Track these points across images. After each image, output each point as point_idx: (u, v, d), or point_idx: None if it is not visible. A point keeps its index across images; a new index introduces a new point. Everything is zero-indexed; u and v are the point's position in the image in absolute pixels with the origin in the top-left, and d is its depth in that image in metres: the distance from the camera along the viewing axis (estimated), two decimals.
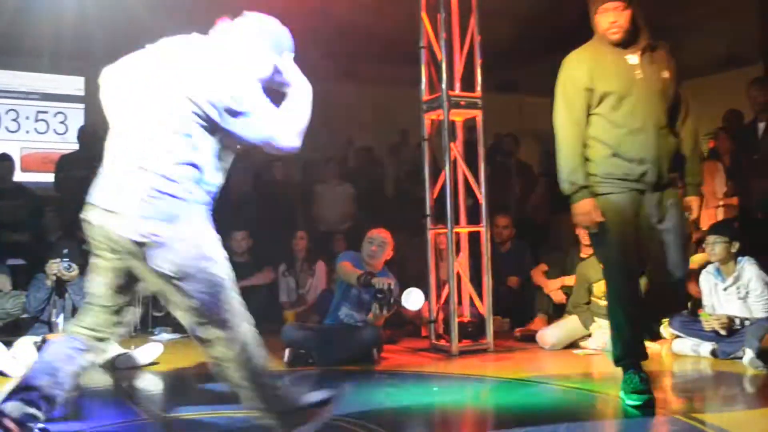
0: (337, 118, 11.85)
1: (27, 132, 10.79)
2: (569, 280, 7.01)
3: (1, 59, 10.48)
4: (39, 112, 10.90)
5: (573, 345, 6.49)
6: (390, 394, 5.05)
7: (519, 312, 7.45)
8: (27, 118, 10.82)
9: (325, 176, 9.45)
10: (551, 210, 8.95)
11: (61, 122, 10.99)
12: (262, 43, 3.39)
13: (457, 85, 6.57)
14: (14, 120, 10.71)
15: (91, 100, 10.91)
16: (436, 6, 6.49)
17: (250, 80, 3.23)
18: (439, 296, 6.58)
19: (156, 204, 3.09)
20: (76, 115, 10.90)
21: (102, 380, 5.59)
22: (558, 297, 7.21)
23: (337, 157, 10.00)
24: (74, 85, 11.01)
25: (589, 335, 6.46)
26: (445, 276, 6.56)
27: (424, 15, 6.59)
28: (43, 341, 6.05)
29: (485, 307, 6.49)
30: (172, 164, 3.13)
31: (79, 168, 8.63)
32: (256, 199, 8.99)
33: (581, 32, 11.77)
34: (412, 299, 5.74)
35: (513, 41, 11.72)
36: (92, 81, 10.81)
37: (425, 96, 6.65)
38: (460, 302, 6.53)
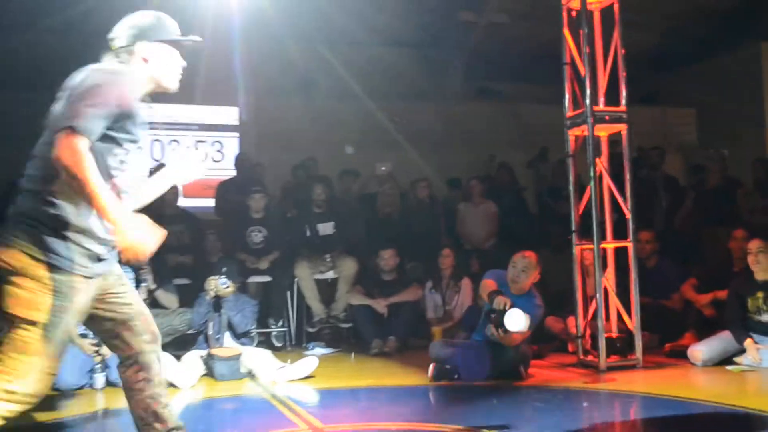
0: (479, 137, 11.87)
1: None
2: (721, 294, 6.71)
3: (164, 94, 11.02)
4: (198, 141, 11.35)
5: (726, 361, 6.18)
6: (538, 409, 4.99)
7: (667, 327, 7.17)
8: (187, 147, 11.29)
9: (468, 194, 9.44)
10: (701, 223, 8.61)
11: (218, 150, 11.41)
12: (128, 40, 3.13)
13: (601, 99, 6.42)
14: (175, 150, 11.21)
15: (244, 129, 11.33)
16: (579, 22, 6.33)
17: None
18: (586, 312, 6.43)
19: None
20: (232, 144, 11.29)
21: (259, 393, 5.78)
22: (709, 312, 6.91)
23: (479, 175, 9.95)
24: (229, 115, 11.41)
25: (743, 351, 6.14)
26: (591, 291, 6.41)
27: (566, 31, 6.45)
28: (209, 355, 6.32)
29: (633, 323, 6.29)
30: None
31: (236, 193, 8.97)
32: (402, 219, 9.06)
33: (724, 40, 11.30)
34: (513, 320, 5.52)
35: (653, 53, 11.42)
36: (245, 111, 11.23)
37: (569, 112, 6.48)
38: (607, 318, 6.36)
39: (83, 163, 2.71)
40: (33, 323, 2.83)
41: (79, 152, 2.71)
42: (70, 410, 5.35)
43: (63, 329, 2.90)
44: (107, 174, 2.94)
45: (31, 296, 2.84)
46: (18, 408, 2.87)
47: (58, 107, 2.91)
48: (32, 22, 8.47)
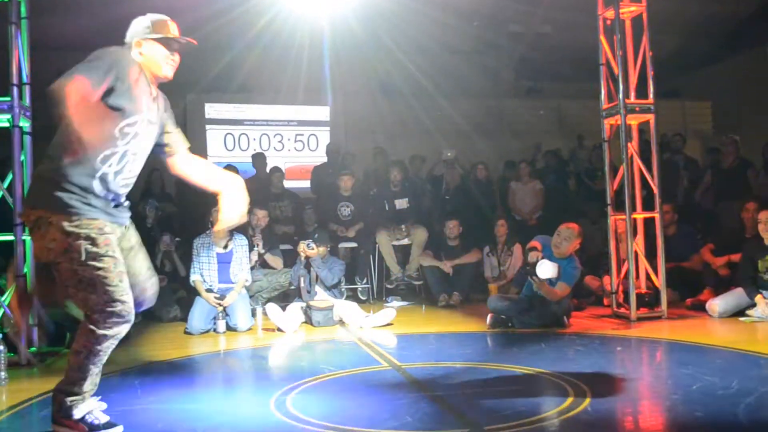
0: (526, 128, 11.68)
1: (289, 150, 11.36)
2: (735, 257, 6.48)
3: (269, 96, 11.12)
4: (297, 135, 11.44)
5: (739, 314, 5.98)
6: (579, 352, 4.87)
7: (685, 285, 6.93)
8: (289, 139, 11.40)
9: (518, 175, 9.27)
10: (717, 198, 8.31)
11: (313, 142, 11.47)
12: (128, 38, 3.11)
13: (632, 94, 6.22)
14: (280, 142, 11.31)
15: (334, 123, 11.35)
16: (613, 29, 6.18)
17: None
18: (619, 271, 6.27)
19: None
20: (324, 136, 11.34)
21: (348, 337, 5.78)
22: (724, 272, 6.68)
23: (528, 159, 9.76)
24: (322, 113, 11.46)
25: (754, 305, 5.91)
26: (624, 255, 6.24)
27: (602, 38, 6.31)
28: (308, 306, 6.34)
29: (660, 281, 6.12)
30: None
31: (328, 175, 8.98)
32: (464, 195, 8.95)
33: (735, 44, 10.85)
34: (543, 269, 5.54)
35: (675, 55, 11.01)
36: (334, 110, 11.25)
37: (605, 105, 6.36)
38: (637, 276, 6.18)
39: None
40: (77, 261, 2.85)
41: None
42: (198, 349, 5.44)
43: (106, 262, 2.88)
44: (112, 138, 2.91)
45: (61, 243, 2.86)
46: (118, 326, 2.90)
47: None
48: None
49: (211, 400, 3.85)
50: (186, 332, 6.02)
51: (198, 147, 10.74)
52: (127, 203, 3.14)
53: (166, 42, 3.08)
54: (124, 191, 3.08)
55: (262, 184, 8.63)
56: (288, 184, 9.20)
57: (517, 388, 3.78)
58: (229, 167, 8.45)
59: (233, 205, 3.20)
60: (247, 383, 4.49)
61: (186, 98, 10.65)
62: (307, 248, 6.63)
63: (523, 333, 5.61)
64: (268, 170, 8.89)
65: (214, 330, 6.06)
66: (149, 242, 6.99)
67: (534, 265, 5.58)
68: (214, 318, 6.10)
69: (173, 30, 3.14)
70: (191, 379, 4.55)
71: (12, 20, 5.00)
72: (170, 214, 8.41)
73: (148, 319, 6.53)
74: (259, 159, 9.24)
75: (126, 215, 3.13)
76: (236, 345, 5.65)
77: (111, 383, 4.03)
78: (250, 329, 6.17)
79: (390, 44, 9.70)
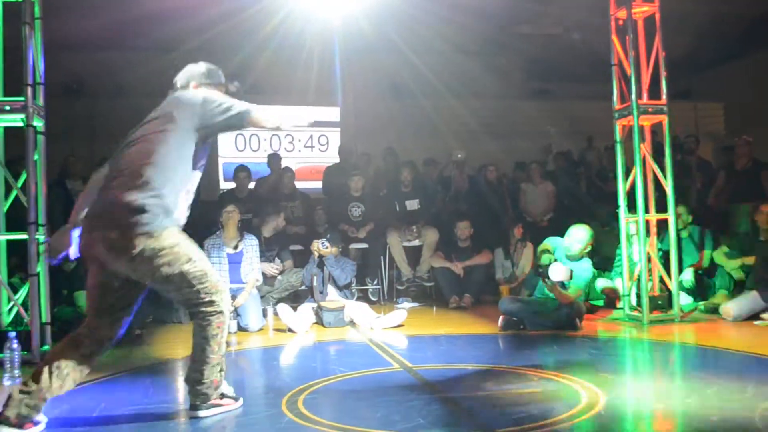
0: (535, 129, 11.64)
1: (300, 151, 11.38)
2: (749, 260, 6.43)
3: (280, 97, 11.10)
4: (307, 135, 11.45)
5: (753, 317, 5.89)
6: (592, 354, 4.84)
7: (700, 288, 6.86)
8: (299, 140, 11.42)
9: (530, 176, 9.23)
10: (731, 199, 8.23)
11: (324, 143, 11.48)
12: (183, 82, 3.47)
13: (645, 95, 6.17)
14: (290, 143, 11.33)
15: (344, 124, 11.34)
16: (625, 29, 6.14)
17: None
18: (631, 273, 6.21)
19: None
20: (335, 137, 11.34)
21: (359, 338, 5.77)
22: (738, 274, 6.60)
23: (539, 161, 9.72)
24: (332, 114, 11.46)
25: None
26: (636, 257, 6.18)
27: (614, 38, 6.28)
28: (319, 307, 6.33)
29: (673, 283, 6.06)
30: None
31: (339, 176, 8.97)
32: (474, 196, 8.93)
33: (748, 45, 10.75)
34: (555, 271, 5.54)
35: (687, 56, 10.94)
36: (344, 110, 11.20)
37: (617, 105, 6.30)
38: (650, 279, 6.13)
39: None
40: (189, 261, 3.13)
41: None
42: None
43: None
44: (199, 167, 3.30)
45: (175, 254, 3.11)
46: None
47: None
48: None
49: None
50: None
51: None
52: None
53: (223, 89, 3.42)
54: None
55: (278, 184, 8.63)
56: (298, 184, 9.21)
57: (529, 391, 3.75)
58: (241, 168, 8.48)
59: None
60: (258, 384, 4.48)
61: None
62: (321, 247, 6.64)
63: (535, 335, 5.57)
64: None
65: None
66: None
67: (546, 267, 5.57)
68: None
69: (223, 78, 3.49)
70: None
71: (26, 20, 5.02)
72: None
73: (158, 321, 6.55)
74: (274, 159, 9.25)
75: None
76: (247, 345, 5.65)
77: (123, 382, 4.04)
78: (261, 329, 6.16)
79: (401, 45, 9.69)
